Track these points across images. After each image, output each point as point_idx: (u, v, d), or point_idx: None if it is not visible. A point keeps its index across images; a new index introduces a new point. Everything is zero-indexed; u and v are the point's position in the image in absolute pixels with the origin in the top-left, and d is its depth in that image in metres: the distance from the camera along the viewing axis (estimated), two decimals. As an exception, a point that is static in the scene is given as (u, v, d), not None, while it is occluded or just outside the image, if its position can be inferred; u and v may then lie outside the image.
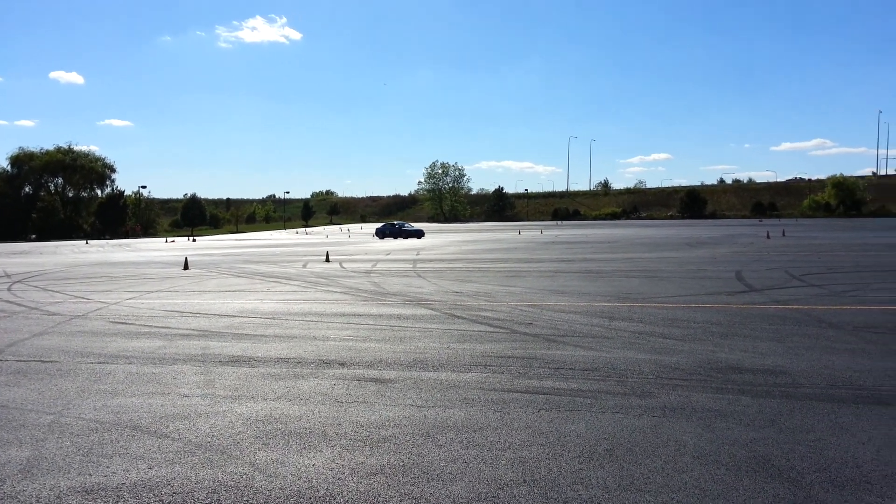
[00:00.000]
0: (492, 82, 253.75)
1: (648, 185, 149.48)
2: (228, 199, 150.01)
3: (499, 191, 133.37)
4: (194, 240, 60.50)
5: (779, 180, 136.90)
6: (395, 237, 53.59)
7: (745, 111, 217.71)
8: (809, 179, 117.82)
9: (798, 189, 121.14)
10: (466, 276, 18.34)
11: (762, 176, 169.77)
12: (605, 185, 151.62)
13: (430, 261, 24.73)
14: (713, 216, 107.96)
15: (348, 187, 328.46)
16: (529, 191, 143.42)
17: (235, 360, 8.00)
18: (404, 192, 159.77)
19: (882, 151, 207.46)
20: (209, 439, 5.19)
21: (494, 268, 20.91)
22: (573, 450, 4.78)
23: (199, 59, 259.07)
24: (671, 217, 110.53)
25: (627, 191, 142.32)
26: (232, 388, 6.75)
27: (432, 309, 11.94)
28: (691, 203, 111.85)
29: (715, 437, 4.99)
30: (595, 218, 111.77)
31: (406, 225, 58.38)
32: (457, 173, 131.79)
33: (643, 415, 5.56)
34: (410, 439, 5.08)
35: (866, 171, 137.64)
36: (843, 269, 18.08)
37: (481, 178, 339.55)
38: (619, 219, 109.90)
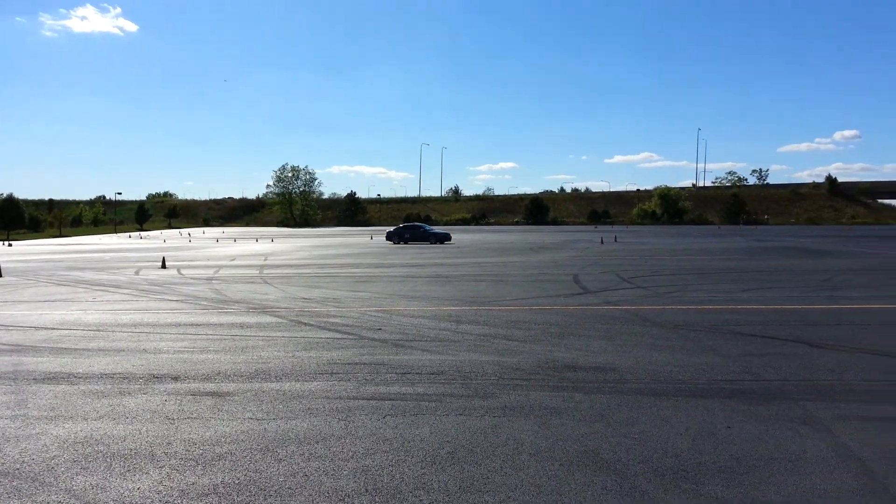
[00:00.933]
0: (344, 86, 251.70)
1: (496, 192, 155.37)
2: (51, 200, 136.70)
3: (351, 195, 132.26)
4: (10, 244, 54.57)
5: (612, 190, 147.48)
6: (418, 242, 43.11)
7: (583, 125, 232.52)
8: (638, 190, 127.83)
9: (629, 198, 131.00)
10: (316, 281, 17.97)
11: (598, 186, 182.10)
12: (456, 191, 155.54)
13: (279, 266, 23.99)
14: (555, 222, 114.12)
15: (189, 189, 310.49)
16: (382, 196, 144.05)
17: (52, 377, 7.24)
18: (252, 196, 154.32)
19: (701, 165, 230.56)
20: (18, 465, 4.64)
21: (345, 273, 20.67)
22: (416, 455, 4.77)
23: (20, 47, 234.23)
24: (517, 223, 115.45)
25: (477, 197, 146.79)
26: (47, 407, 6.09)
27: (278, 316, 11.54)
28: (535, 210, 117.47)
29: (550, 433, 5.20)
30: (446, 223, 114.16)
31: (427, 227, 47.54)
32: (308, 177, 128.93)
33: (485, 415, 5.69)
34: (248, 455, 4.83)
35: (687, 182, 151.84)
36: (667, 273, 19.72)
37: (333, 182, 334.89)
38: (469, 224, 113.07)
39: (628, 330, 9.81)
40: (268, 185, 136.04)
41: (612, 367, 7.42)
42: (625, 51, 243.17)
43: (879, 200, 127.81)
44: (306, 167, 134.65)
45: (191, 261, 27.91)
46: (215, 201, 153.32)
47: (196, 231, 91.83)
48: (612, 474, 4.38)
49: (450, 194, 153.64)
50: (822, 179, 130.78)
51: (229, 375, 7.25)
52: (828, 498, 3.98)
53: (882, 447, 4.79)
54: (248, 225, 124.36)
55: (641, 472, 4.42)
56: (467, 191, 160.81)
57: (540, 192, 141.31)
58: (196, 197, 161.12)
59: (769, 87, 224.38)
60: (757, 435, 5.09)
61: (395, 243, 43.01)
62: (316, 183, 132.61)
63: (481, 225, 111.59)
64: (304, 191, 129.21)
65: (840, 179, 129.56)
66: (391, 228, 49.18)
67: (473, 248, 36.32)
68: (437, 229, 52.50)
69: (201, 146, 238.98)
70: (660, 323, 10.41)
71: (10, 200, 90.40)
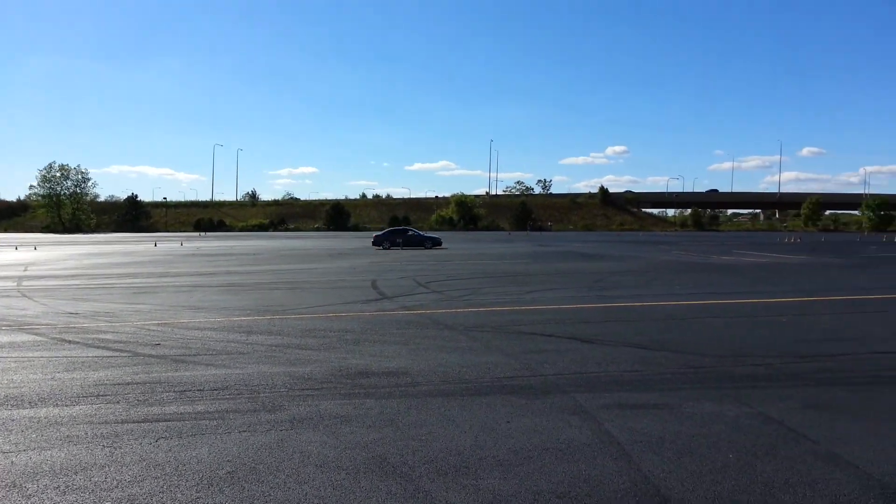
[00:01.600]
0: (123, 78, 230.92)
1: (297, 197, 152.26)
2: None
3: (132, 198, 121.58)
4: None
5: (412, 196, 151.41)
6: (405, 247, 40.85)
7: (384, 132, 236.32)
8: (437, 197, 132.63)
9: (428, 205, 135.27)
10: (86, 294, 16.21)
11: (398, 192, 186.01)
12: (253, 196, 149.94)
13: (42, 277, 21.33)
14: (356, 228, 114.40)
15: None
16: (169, 199, 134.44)
17: None
18: (12, 198, 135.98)
19: (493, 175, 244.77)
20: None
21: (122, 284, 18.90)
22: (191, 478, 4.43)
23: None
24: (318, 229, 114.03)
25: (276, 202, 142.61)
26: None
27: (37, 334, 10.21)
28: (336, 216, 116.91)
29: (339, 442, 5.12)
30: (242, 229, 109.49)
31: (415, 231, 45.02)
32: (80, 177, 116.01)
33: (271, 430, 5.46)
34: (-12, 495, 4.17)
35: (482, 191, 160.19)
36: (461, 277, 20.55)
37: (112, 184, 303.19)
38: (267, 230, 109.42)
39: (422, 333, 10.03)
40: (31, 187, 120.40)
41: (404, 371, 7.52)
42: (419, 67, 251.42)
43: (643, 209, 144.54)
44: (78, 166, 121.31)
45: (-70, 273, 23.86)
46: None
47: (-60, 238, 78.90)
48: (397, 478, 4.40)
49: (246, 199, 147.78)
50: (596, 190, 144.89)
51: (-31, 405, 6.24)
52: (591, 482, 4.32)
53: (637, 431, 5.32)
54: (7, 231, 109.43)
55: (426, 472, 4.49)
56: (266, 195, 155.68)
57: (341, 198, 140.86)
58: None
59: (551, 103, 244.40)
60: (533, 427, 5.42)
61: (384, 248, 40.47)
62: (90, 184, 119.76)
63: (280, 231, 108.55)
64: (74, 192, 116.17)
65: (611, 190, 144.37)
66: (378, 233, 45.47)
67: (271, 254, 35.19)
68: (429, 233, 51.15)
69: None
70: (452, 325, 10.77)
71: None
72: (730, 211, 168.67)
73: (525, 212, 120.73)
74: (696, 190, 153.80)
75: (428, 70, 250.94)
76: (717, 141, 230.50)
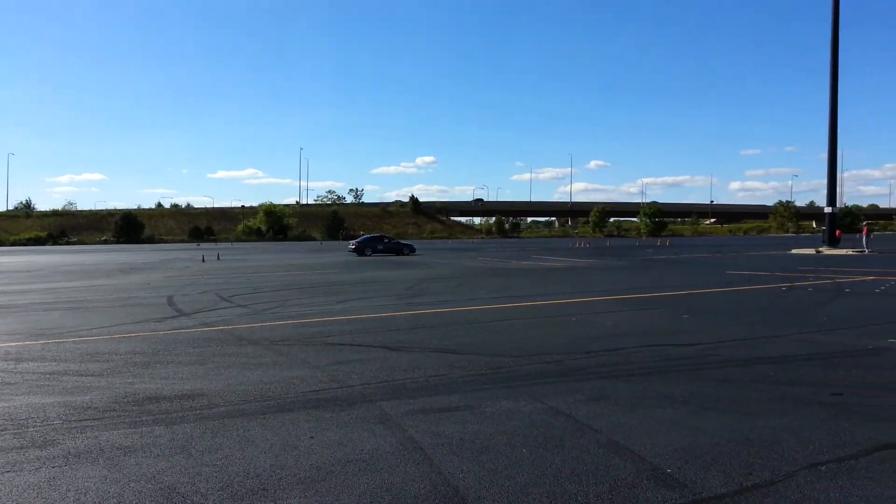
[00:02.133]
0: None
1: (80, 207, 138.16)
2: None
3: None
4: None
5: (216, 206, 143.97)
6: (384, 253, 44.25)
7: (183, 137, 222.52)
8: (244, 206, 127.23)
9: (234, 215, 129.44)
10: None
11: (200, 201, 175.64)
12: (28, 205, 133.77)
13: None
14: (151, 241, 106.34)
15: None
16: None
17: None
18: None
19: (304, 183, 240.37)
20: None
21: None
22: (-69, 537, 3.77)
23: None
24: (106, 242, 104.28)
25: (55, 213, 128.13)
26: None
27: None
28: (128, 227, 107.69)
29: (122, 476, 4.64)
30: (14, 243, 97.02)
31: (391, 238, 50.64)
32: None
33: (41, 468, 4.83)
34: None
35: (292, 200, 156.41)
36: (268, 289, 19.84)
37: None
38: (44, 244, 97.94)
39: (222, 351, 9.50)
40: None
41: (200, 392, 7.04)
42: (223, 65, 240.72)
43: (452, 218, 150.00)
44: None
45: None
46: None
47: None
48: (187, 510, 4.08)
49: (19, 209, 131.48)
50: (407, 199, 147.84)
51: None
52: (393, 491, 4.32)
53: (440, 434, 5.42)
54: None
55: (219, 499, 4.21)
56: (43, 205, 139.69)
57: (134, 208, 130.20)
58: None
59: (363, 111, 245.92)
60: (337, 440, 5.32)
61: (367, 255, 43.16)
62: None
63: (60, 244, 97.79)
64: None
65: (421, 199, 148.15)
66: (358, 240, 48.05)
67: (49, 271, 31.53)
68: (405, 241, 56.57)
69: None
70: (256, 341, 10.33)
71: None
72: (529, 219, 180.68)
73: (337, 221, 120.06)
74: (500, 199, 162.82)
75: (233, 73, 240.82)
76: (516, 154, 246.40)
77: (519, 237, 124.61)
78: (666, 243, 71.85)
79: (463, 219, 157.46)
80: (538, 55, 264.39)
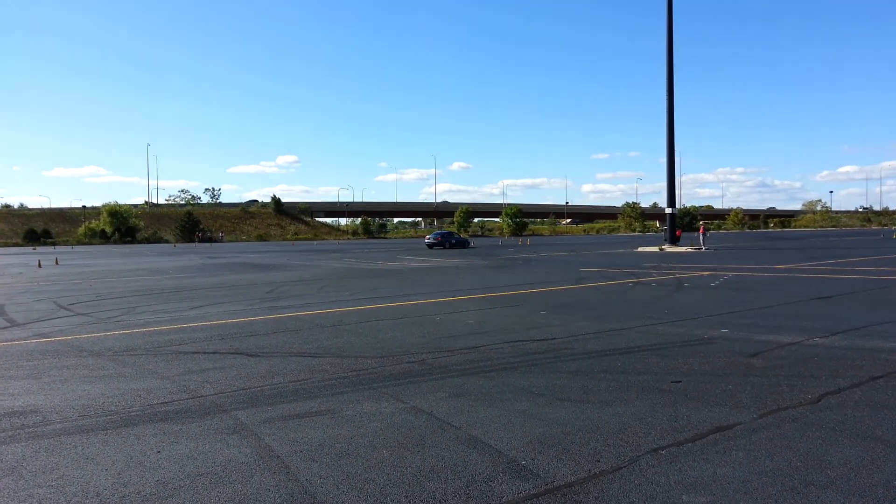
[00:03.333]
0: None
1: None
2: None
3: None
4: None
5: (53, 206, 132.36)
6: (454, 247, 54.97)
7: (14, 131, 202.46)
8: (85, 207, 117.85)
9: (74, 216, 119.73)
10: None
11: (36, 202, 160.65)
12: None
13: None
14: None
15: None
16: None
17: None
18: None
19: (153, 182, 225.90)
20: None
21: None
22: None
23: None
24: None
25: None
26: None
27: None
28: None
29: (-67, 510, 4.13)
30: None
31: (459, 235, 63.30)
32: None
33: None
34: None
35: (140, 200, 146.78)
36: (113, 296, 18.50)
37: None
38: None
39: (60, 364, 8.73)
40: None
41: (34, 409, 6.43)
42: (59, 49, 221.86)
43: (316, 218, 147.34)
44: None
45: None
46: None
47: None
48: (12, 541, 3.69)
49: None
50: (269, 199, 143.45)
51: None
52: (247, 501, 4.15)
53: (298, 441, 5.29)
54: None
55: (51, 527, 3.85)
56: None
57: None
58: None
59: (217, 105, 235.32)
60: (187, 454, 5.04)
61: (444, 248, 54.59)
62: None
63: None
64: None
65: (284, 200, 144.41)
66: (430, 236, 60.07)
67: None
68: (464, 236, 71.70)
69: None
70: (98, 352, 9.58)
71: None
72: (396, 219, 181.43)
73: (192, 222, 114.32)
74: (365, 199, 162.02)
75: (69, 54, 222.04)
76: (380, 154, 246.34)
77: (385, 238, 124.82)
78: (526, 242, 74.75)
79: (329, 220, 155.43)
80: (403, 62, 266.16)
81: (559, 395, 6.58)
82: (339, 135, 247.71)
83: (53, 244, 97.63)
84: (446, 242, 56.45)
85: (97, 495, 4.28)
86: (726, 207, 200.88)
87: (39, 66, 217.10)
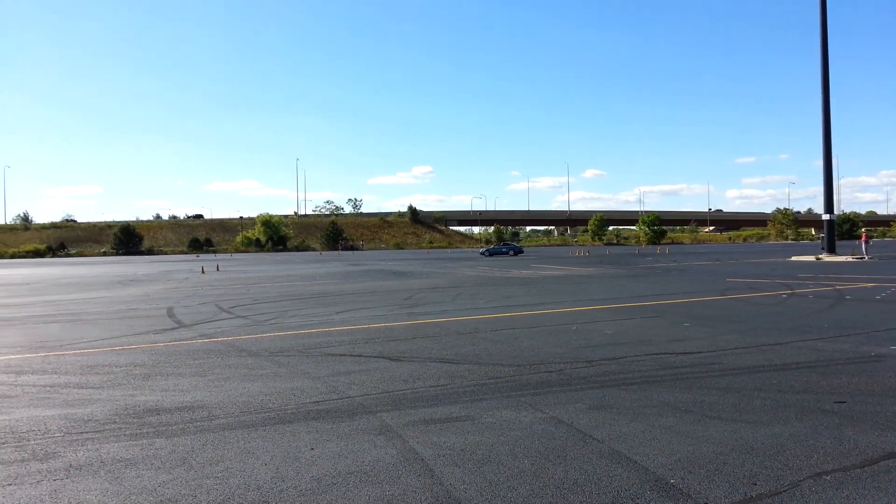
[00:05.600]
0: None
1: (79, 220, 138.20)
2: None
3: None
4: None
5: (214, 217, 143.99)
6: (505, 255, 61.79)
7: (179, 148, 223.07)
8: (242, 217, 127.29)
9: (232, 226, 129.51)
10: None
11: (198, 213, 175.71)
12: (26, 218, 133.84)
13: None
14: (150, 252, 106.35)
15: None
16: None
17: None
18: None
19: (301, 194, 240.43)
20: None
21: None
22: (-70, 553, 3.74)
23: None
24: (105, 254, 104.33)
25: (53, 225, 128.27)
26: None
27: None
28: (126, 239, 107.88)
29: (122, 488, 4.62)
30: (13, 256, 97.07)
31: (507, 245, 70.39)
32: None
33: (42, 481, 4.80)
34: None
35: (290, 210, 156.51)
36: (268, 300, 19.82)
37: None
38: (43, 256, 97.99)
39: (223, 363, 9.47)
40: None
41: (201, 404, 7.02)
42: (218, 76, 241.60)
43: (450, 227, 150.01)
44: None
45: None
46: None
47: None
48: (188, 523, 4.05)
49: (17, 221, 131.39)
50: (405, 209, 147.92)
51: None
52: (395, 502, 4.29)
53: (441, 445, 5.40)
54: None
55: (221, 514, 4.18)
56: (41, 218, 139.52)
57: (132, 220, 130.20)
58: None
59: (358, 121, 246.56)
60: (338, 452, 5.29)
61: (510, 256, 61.04)
62: None
63: (59, 256, 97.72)
64: None
65: (419, 209, 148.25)
66: (491, 247, 70.07)
67: (48, 283, 31.50)
68: (514, 244, 78.64)
69: None
70: (256, 352, 10.30)
71: None
72: (528, 228, 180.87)
73: (336, 231, 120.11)
74: (497, 208, 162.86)
75: (226, 82, 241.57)
76: (512, 163, 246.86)
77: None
78: (665, 251, 71.86)
79: (462, 228, 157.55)
80: (535, 66, 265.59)
81: (708, 413, 6.26)
82: (472, 144, 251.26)
83: (214, 252, 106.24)
84: (509, 250, 65.18)
85: (258, 488, 4.59)
86: (892, 213, 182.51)
87: (200, 93, 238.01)
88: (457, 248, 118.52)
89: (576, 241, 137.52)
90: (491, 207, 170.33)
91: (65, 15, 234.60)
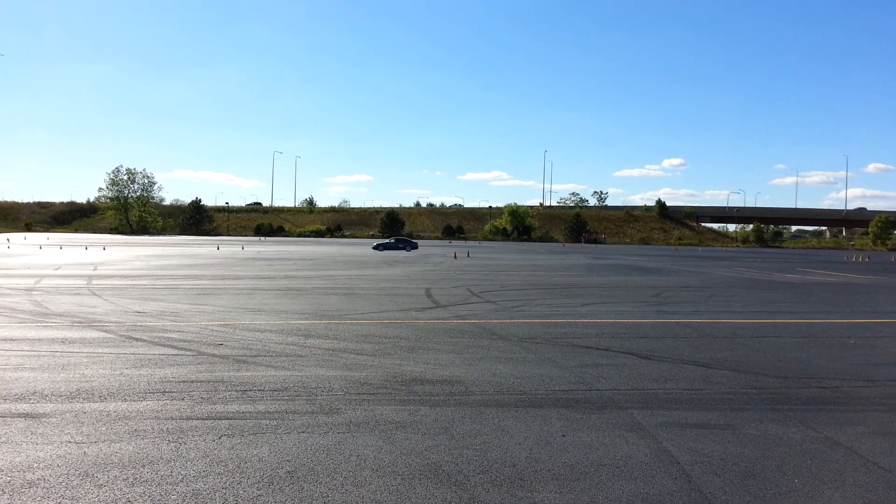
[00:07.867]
0: (184, 85, 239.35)
1: (352, 205, 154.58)
2: None
3: (196, 203, 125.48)
4: None
5: (465, 206, 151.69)
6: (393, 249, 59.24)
7: (436, 142, 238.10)
8: (490, 207, 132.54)
9: (481, 215, 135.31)
10: (152, 293, 16.81)
11: (451, 201, 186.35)
12: (311, 202, 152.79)
13: (110, 277, 22.22)
14: (410, 237, 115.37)
15: (10, 190, 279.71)
16: (230, 204, 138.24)
17: None
18: (82, 199, 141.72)
19: (547, 186, 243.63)
20: None
21: (186, 285, 19.52)
22: (253, 476, 4.55)
23: None
24: (373, 236, 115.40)
25: (332, 209, 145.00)
26: None
27: (106, 331, 10.64)
28: (391, 224, 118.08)
29: (394, 448, 5.17)
30: (300, 235, 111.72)
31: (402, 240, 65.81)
32: (146, 181, 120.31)
33: (329, 432, 5.55)
34: (64, 481, 4.38)
35: (535, 201, 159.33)
36: (514, 288, 20.47)
37: (176, 188, 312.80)
38: (323, 236, 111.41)
39: (476, 343, 10.04)
40: (100, 189, 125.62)
41: (458, 379, 7.54)
42: (474, 70, 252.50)
43: (702, 223, 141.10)
44: (144, 170, 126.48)
45: (8, 269, 25.17)
46: (39, 204, 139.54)
47: (16, 236, 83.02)
48: (452, 486, 4.42)
49: (304, 205, 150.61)
50: (652, 203, 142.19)
51: (46, 395, 6.56)
52: (650, 501, 4.25)
53: (698, 451, 5.20)
54: (77, 231, 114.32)
55: (480, 482, 4.49)
56: (322, 202, 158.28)
57: (395, 206, 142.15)
58: (17, 199, 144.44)
59: (606, 113, 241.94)
60: (589, 442, 5.36)
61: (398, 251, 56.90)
62: (156, 188, 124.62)
63: (336, 237, 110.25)
64: (141, 196, 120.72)
65: (668, 203, 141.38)
66: (383, 240, 67.52)
67: (327, 260, 35.78)
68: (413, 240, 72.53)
69: (17, 141, 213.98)
70: (505, 336, 10.74)
71: None
72: (794, 228, 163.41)
73: (580, 224, 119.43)
74: (757, 205, 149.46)
75: (481, 78, 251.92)
76: (778, 155, 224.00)
77: (781, 247, 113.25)
78: (974, 262, 60.23)
79: (715, 225, 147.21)
80: (812, 44, 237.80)
81: None
82: (729, 134, 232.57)
83: (465, 239, 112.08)
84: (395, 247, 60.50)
85: (513, 465, 4.84)
86: None
87: (449, 90, 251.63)
88: (708, 245, 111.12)
89: (852, 245, 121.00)
90: (750, 203, 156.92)
91: (343, 24, 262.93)
